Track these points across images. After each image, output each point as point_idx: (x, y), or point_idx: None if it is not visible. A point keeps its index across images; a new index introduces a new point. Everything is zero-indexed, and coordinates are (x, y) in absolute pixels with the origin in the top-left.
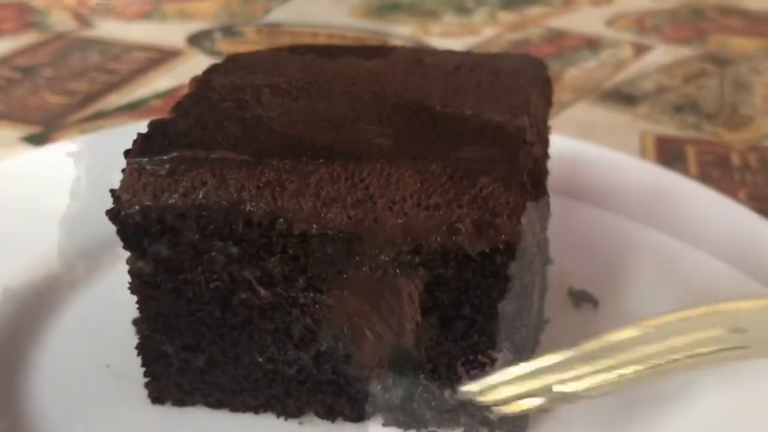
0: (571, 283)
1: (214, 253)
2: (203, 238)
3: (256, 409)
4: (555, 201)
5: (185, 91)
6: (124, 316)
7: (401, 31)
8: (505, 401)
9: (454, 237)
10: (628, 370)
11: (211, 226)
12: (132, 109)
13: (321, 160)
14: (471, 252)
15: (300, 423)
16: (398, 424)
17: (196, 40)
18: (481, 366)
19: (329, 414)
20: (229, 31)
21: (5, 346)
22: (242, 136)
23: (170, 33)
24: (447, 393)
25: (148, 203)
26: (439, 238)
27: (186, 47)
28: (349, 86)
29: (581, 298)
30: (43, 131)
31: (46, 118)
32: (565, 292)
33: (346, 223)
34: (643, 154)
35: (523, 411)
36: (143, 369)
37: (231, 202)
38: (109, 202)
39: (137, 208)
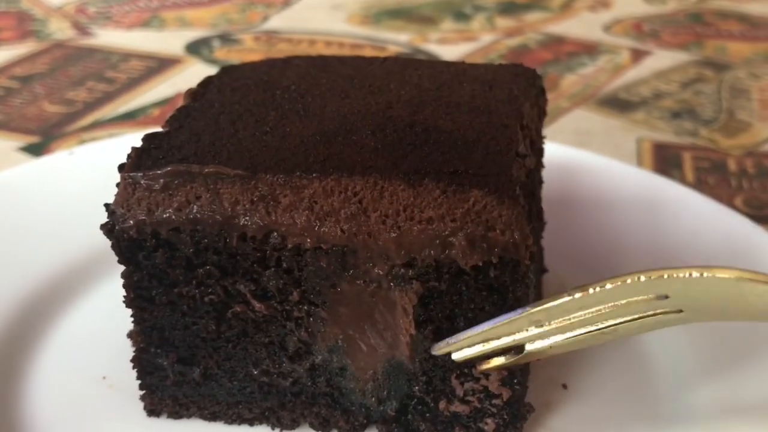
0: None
1: (208, 267)
2: (197, 252)
3: (251, 421)
4: (550, 209)
5: (183, 99)
6: (120, 328)
7: (399, 38)
8: (477, 358)
9: (447, 251)
10: (583, 330)
11: (206, 240)
12: (130, 118)
13: (314, 175)
14: (464, 266)
15: None
16: None
17: (194, 47)
18: (476, 379)
19: (324, 426)
20: (227, 39)
21: (2, 357)
22: (236, 150)
23: (168, 41)
24: (442, 405)
25: (143, 217)
26: (432, 252)
27: (184, 55)
28: (343, 99)
29: None
30: (41, 141)
31: (44, 128)
32: None
33: (339, 236)
34: (639, 160)
35: (496, 367)
36: (139, 381)
37: (225, 217)
38: (104, 215)
39: (131, 222)
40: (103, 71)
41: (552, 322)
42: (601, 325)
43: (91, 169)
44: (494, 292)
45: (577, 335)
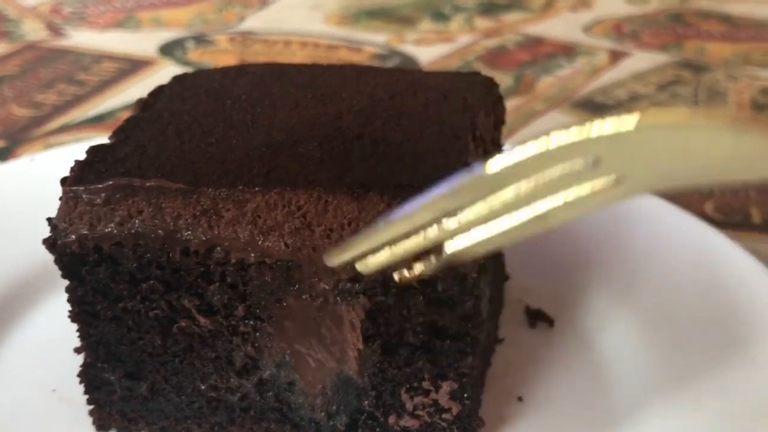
0: (528, 300)
1: (152, 282)
2: (141, 267)
3: None
4: None
5: (133, 109)
6: (73, 341)
7: (376, 39)
8: (389, 268)
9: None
10: (512, 220)
11: (148, 255)
12: (99, 121)
13: (257, 188)
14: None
15: None
16: None
17: (167, 49)
18: (425, 393)
19: None
20: (201, 40)
21: None
22: (180, 163)
23: (142, 42)
24: (391, 420)
25: (85, 232)
26: None
27: (157, 57)
28: (293, 108)
29: (537, 317)
30: (6, 145)
31: (11, 132)
32: (521, 310)
33: (283, 251)
34: None
35: (415, 277)
36: (87, 396)
37: (167, 231)
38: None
39: (73, 237)
40: (74, 73)
41: (467, 212)
42: (526, 211)
43: (50, 178)
44: (443, 306)
45: (501, 227)
